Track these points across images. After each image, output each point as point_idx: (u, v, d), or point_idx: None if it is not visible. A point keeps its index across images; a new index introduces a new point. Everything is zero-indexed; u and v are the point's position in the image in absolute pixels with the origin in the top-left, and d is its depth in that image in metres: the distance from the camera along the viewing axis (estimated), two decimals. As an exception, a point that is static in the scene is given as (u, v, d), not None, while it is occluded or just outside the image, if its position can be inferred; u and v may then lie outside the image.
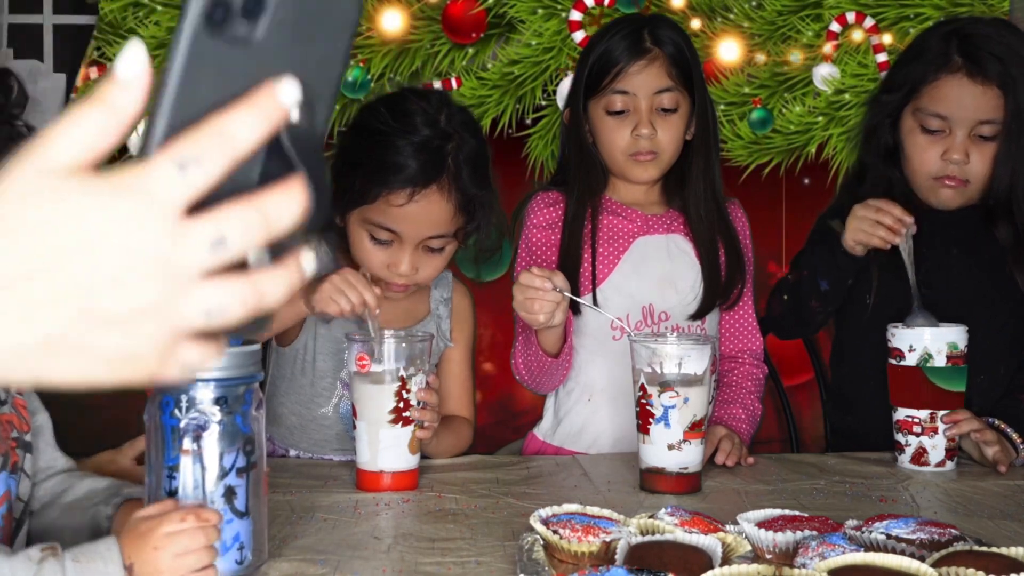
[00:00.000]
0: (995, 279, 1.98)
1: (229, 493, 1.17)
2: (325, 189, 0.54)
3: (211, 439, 1.16)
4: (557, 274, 1.73)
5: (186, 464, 1.16)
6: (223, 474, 1.16)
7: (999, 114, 1.90)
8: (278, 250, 0.55)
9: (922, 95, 1.95)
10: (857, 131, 2.17)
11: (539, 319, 1.73)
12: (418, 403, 1.63)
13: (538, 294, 1.71)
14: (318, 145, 0.55)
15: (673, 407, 1.60)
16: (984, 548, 1.16)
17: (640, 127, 1.95)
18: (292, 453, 1.95)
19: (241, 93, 0.52)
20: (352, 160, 1.83)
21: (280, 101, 0.53)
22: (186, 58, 0.51)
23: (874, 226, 1.87)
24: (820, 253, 2.00)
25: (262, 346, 1.50)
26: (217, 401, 1.15)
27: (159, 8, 2.86)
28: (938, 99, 1.93)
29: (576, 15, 2.90)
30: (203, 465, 1.16)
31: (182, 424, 1.15)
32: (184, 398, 1.15)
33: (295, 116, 0.53)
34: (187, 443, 1.15)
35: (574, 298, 1.77)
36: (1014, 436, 1.79)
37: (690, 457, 1.61)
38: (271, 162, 0.54)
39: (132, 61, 0.51)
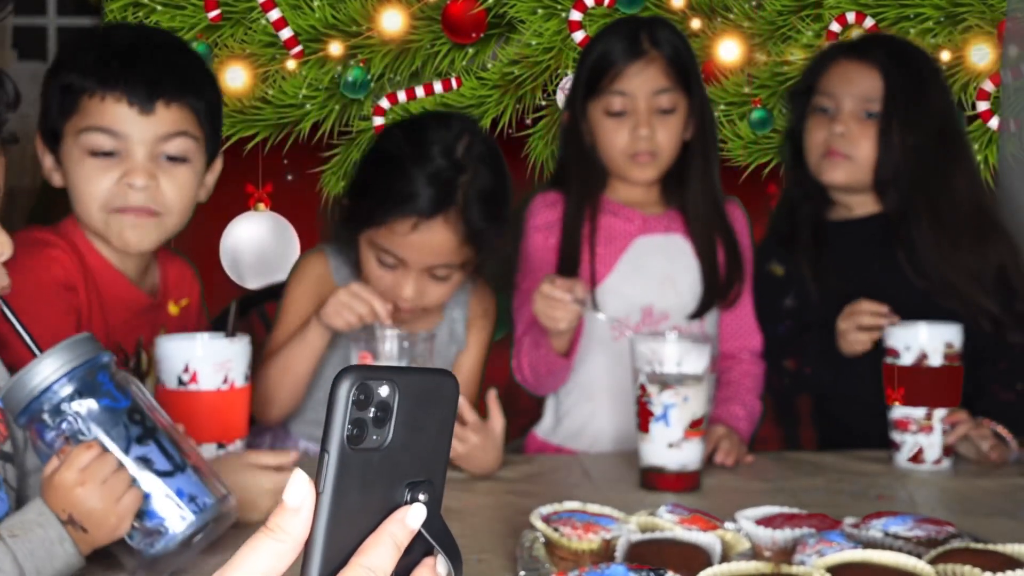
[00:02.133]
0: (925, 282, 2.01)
1: (144, 463, 1.17)
2: (457, 553, 0.60)
3: (90, 433, 1.16)
4: (578, 284, 1.78)
5: None
6: (125, 453, 1.16)
7: (877, 94, 2.02)
8: None
9: (817, 85, 2.08)
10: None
11: (560, 326, 1.78)
12: None
13: (560, 304, 1.75)
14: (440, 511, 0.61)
15: (673, 406, 1.61)
16: (981, 545, 1.16)
17: (639, 128, 1.97)
18: (301, 445, 1.95)
19: (379, 493, 0.59)
20: (365, 183, 1.84)
21: (409, 526, 0.59)
22: (335, 475, 0.57)
23: (866, 334, 1.89)
24: (822, 353, 2.02)
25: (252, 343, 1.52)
26: (72, 397, 1.15)
27: (159, 8, 2.87)
28: (827, 81, 2.07)
29: (576, 15, 2.91)
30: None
31: (54, 436, 1.16)
32: (46, 416, 1.16)
33: (423, 510, 0.60)
34: (60, 445, 1.15)
35: (594, 312, 1.79)
36: (1003, 433, 1.80)
37: (690, 455, 1.62)
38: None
39: (299, 490, 0.57)
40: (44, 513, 1.14)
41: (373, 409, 0.58)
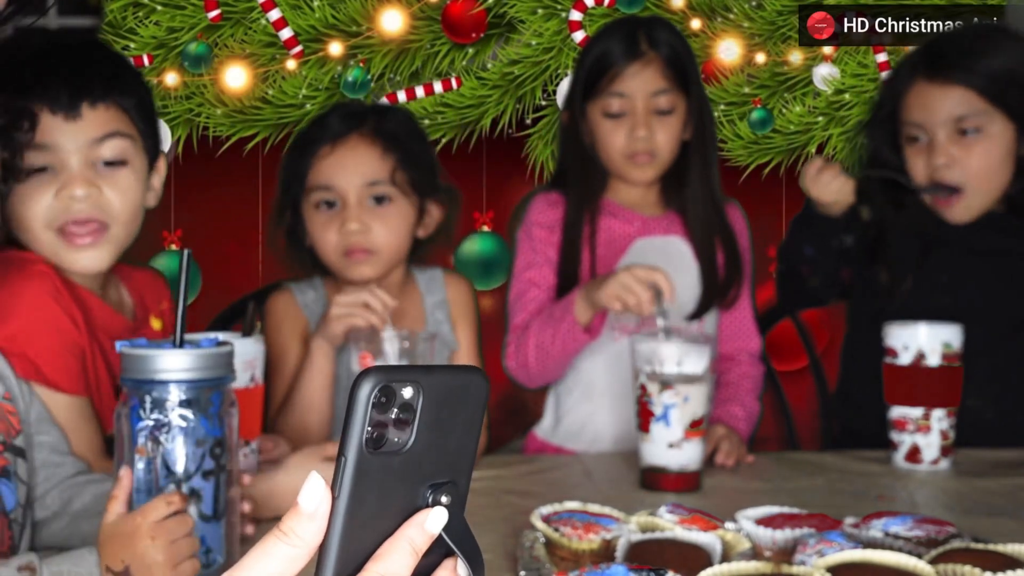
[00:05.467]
0: (1010, 284, 2.00)
1: (193, 496, 1.15)
2: (478, 557, 0.59)
3: (171, 440, 1.14)
4: (658, 273, 1.76)
5: (139, 464, 1.14)
6: (187, 476, 1.14)
7: (971, 109, 1.91)
8: None
9: (901, 111, 1.98)
10: (854, 165, 2.24)
11: (643, 310, 1.75)
12: None
13: (640, 296, 1.74)
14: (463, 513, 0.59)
15: (673, 406, 1.61)
16: (981, 545, 1.16)
17: (637, 129, 1.97)
18: None
19: (399, 496, 0.57)
20: (289, 167, 1.90)
21: (428, 531, 0.57)
22: (352, 480, 0.55)
23: (828, 183, 1.94)
24: (800, 222, 2.06)
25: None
26: (182, 403, 1.14)
27: (159, 8, 2.87)
28: (910, 109, 1.96)
29: (576, 15, 2.91)
30: (159, 466, 1.14)
31: (141, 425, 1.14)
32: (149, 399, 1.13)
33: (444, 514, 0.58)
34: (141, 442, 1.14)
35: (661, 319, 1.76)
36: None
37: (690, 456, 1.62)
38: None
39: (314, 495, 0.55)
40: (88, 557, 1.10)
41: (395, 411, 0.55)
